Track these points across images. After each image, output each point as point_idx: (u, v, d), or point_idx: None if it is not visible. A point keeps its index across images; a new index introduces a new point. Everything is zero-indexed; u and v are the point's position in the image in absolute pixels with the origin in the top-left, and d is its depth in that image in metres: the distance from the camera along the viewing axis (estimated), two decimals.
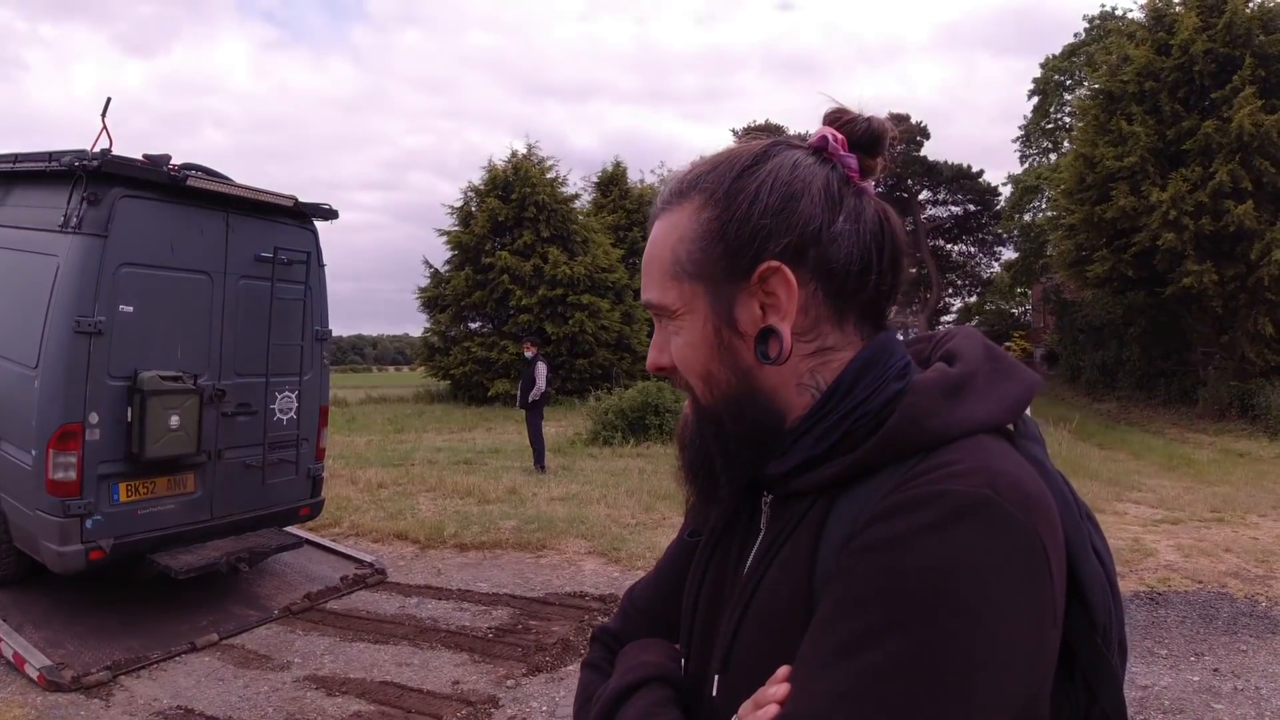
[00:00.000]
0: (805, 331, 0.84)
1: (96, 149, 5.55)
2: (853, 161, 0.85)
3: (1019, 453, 0.79)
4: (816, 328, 0.84)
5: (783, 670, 0.75)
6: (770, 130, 50.35)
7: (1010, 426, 0.83)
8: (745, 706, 0.77)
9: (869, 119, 0.87)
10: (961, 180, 44.94)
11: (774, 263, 0.82)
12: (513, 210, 28.16)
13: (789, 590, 0.80)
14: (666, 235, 0.89)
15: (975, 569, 0.67)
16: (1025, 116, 38.30)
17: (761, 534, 0.88)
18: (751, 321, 0.84)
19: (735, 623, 0.84)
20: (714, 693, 0.86)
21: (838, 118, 0.87)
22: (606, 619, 1.14)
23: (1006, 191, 41.04)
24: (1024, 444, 0.81)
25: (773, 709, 0.73)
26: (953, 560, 0.68)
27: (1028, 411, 0.85)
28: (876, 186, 0.90)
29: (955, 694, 0.66)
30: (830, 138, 0.86)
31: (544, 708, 4.64)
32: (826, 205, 0.82)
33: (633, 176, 36.07)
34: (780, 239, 0.82)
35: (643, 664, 0.96)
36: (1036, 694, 0.72)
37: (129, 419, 5.50)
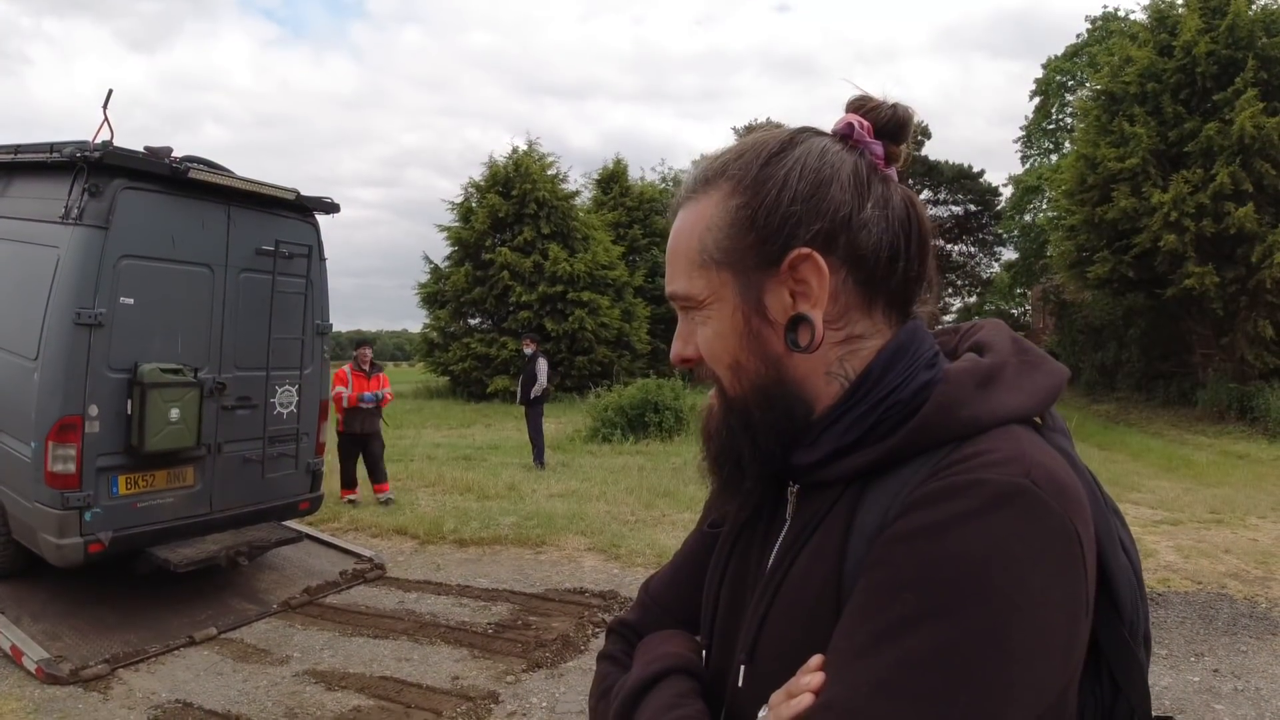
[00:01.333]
0: (835, 319, 0.83)
1: (98, 141, 5.53)
2: (878, 148, 0.85)
3: (1049, 444, 0.79)
4: (845, 315, 0.83)
5: (815, 659, 0.74)
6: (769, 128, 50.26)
7: (1038, 419, 0.83)
8: (777, 696, 0.76)
9: (893, 105, 0.86)
10: (962, 180, 44.94)
11: (805, 250, 0.81)
12: (513, 207, 28.14)
13: (818, 580, 0.79)
14: (693, 225, 0.87)
15: (1012, 557, 0.67)
16: (1026, 117, 38.38)
17: (788, 524, 0.87)
18: (781, 309, 0.83)
19: (762, 613, 0.84)
20: (740, 683, 0.85)
21: (862, 104, 0.87)
22: (621, 612, 1.13)
23: (1007, 192, 41.07)
24: (1052, 436, 0.81)
25: (807, 698, 0.72)
26: (990, 548, 0.67)
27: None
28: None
29: (993, 682, 0.65)
30: (856, 124, 0.85)
31: (543, 703, 4.63)
32: (856, 191, 0.82)
33: (633, 174, 36.09)
34: (811, 225, 0.81)
35: (664, 655, 0.95)
36: (1068, 684, 0.72)
37: (129, 411, 5.49)
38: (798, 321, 0.82)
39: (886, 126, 0.85)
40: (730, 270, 0.85)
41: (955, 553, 0.68)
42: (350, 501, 9.58)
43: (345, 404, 9.59)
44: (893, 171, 0.86)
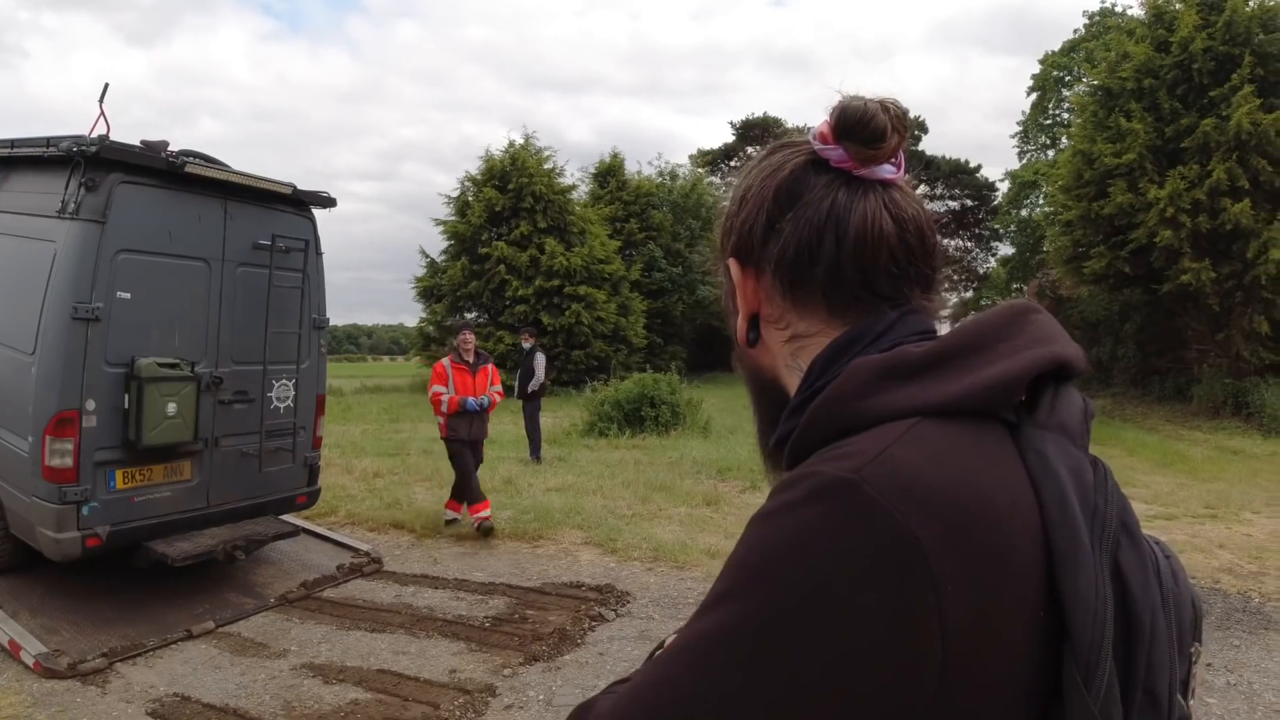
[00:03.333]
0: (776, 320, 0.89)
1: (94, 135, 5.53)
2: (834, 153, 0.85)
3: (1013, 443, 0.73)
4: (783, 317, 0.88)
5: None
6: (767, 124, 50.50)
7: (1015, 412, 0.76)
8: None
9: (840, 107, 0.84)
10: (959, 175, 45.04)
11: (730, 259, 0.92)
12: (510, 200, 28.15)
13: None
14: None
15: (810, 550, 0.65)
16: (1023, 112, 38.33)
17: None
18: (739, 307, 0.93)
19: None
20: None
21: (831, 111, 0.86)
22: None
23: (1004, 187, 41.11)
24: (1030, 433, 0.74)
25: (661, 651, 0.79)
26: (791, 539, 0.67)
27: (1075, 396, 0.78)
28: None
29: (766, 668, 0.65)
30: (813, 133, 0.88)
31: (540, 696, 4.65)
32: (770, 205, 0.87)
33: (630, 168, 36.09)
34: (730, 238, 0.92)
35: None
36: (907, 710, 0.65)
37: (126, 406, 5.49)
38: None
39: (840, 129, 0.84)
40: (722, 269, 0.97)
41: (763, 540, 0.68)
42: (481, 525, 8.01)
43: (445, 408, 8.10)
44: (876, 169, 0.84)
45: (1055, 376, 0.78)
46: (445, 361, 8.32)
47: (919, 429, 0.71)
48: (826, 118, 0.86)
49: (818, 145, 0.86)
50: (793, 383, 0.88)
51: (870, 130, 0.83)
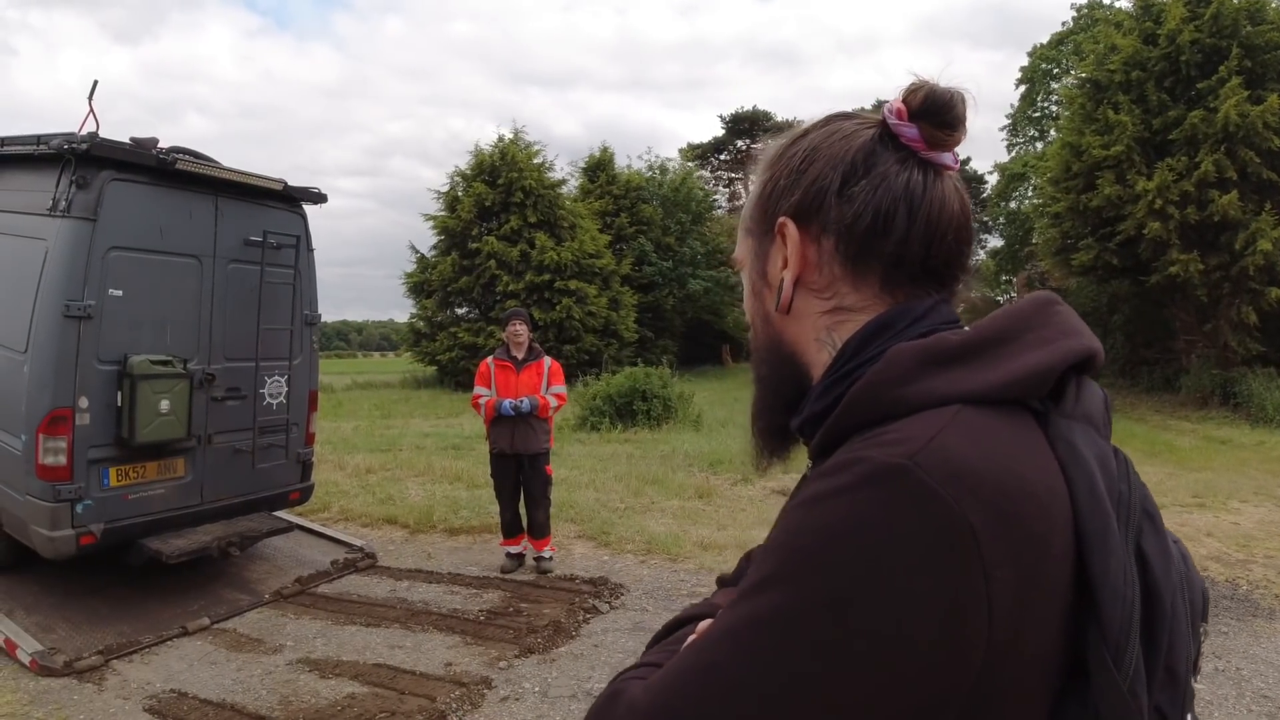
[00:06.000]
0: (822, 289, 0.87)
1: (84, 132, 5.52)
2: (909, 131, 0.85)
3: (1041, 431, 0.75)
4: (832, 286, 0.87)
5: None
6: (756, 118, 50.38)
7: (1044, 400, 0.77)
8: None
9: (924, 88, 0.85)
10: None
11: (784, 218, 0.88)
12: (499, 195, 28.09)
13: None
14: (746, 200, 0.98)
15: (867, 535, 0.66)
16: (1012, 105, 38.44)
17: None
18: (776, 274, 0.90)
19: None
20: None
21: (908, 89, 0.87)
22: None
23: (993, 179, 41.23)
24: (1058, 422, 0.76)
25: (694, 636, 0.78)
26: (845, 523, 0.67)
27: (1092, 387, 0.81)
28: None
29: (821, 651, 0.65)
30: (888, 108, 0.87)
31: (536, 688, 4.68)
32: (846, 168, 0.85)
33: (619, 162, 36.03)
34: (791, 196, 0.88)
35: (707, 603, 0.99)
36: (953, 691, 0.66)
37: (119, 403, 5.50)
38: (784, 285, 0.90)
39: (920, 109, 0.85)
40: (751, 237, 0.95)
41: (816, 524, 0.68)
42: (510, 556, 6.90)
43: (484, 414, 6.75)
44: (940, 155, 0.86)
45: (1077, 368, 0.80)
46: (489, 359, 6.92)
47: (963, 416, 0.72)
48: (900, 96, 0.87)
49: (893, 120, 0.86)
50: (819, 359, 0.88)
51: (951, 116, 0.85)
